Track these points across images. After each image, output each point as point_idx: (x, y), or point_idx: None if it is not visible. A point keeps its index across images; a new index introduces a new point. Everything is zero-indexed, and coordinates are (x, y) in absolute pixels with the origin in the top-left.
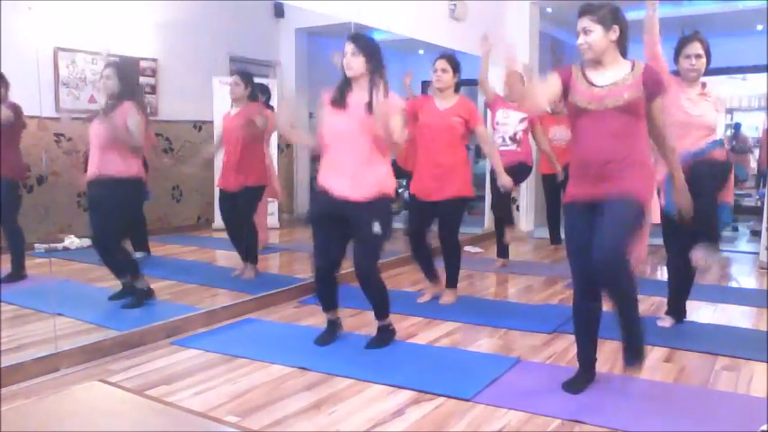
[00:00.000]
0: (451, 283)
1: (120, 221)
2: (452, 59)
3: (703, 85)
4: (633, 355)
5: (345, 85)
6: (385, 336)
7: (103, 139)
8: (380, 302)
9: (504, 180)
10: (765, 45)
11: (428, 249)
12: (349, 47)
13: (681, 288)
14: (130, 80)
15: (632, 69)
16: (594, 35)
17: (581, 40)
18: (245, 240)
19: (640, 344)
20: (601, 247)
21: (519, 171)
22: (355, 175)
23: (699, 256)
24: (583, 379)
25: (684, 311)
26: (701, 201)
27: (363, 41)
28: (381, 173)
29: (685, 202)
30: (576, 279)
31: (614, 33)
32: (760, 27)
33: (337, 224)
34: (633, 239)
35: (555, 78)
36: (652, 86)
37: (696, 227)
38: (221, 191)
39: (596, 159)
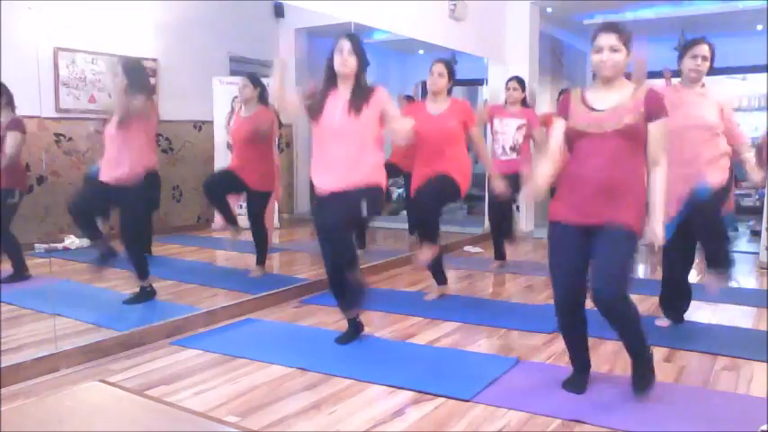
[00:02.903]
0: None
1: (147, 216)
2: (449, 65)
3: (702, 85)
4: (641, 382)
5: (331, 82)
6: (354, 329)
7: (124, 140)
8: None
9: (497, 184)
10: (765, 45)
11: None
12: (346, 45)
13: (674, 289)
14: (144, 79)
15: (634, 92)
16: (620, 55)
17: (605, 56)
18: (257, 242)
19: (649, 369)
20: (605, 284)
21: (518, 181)
22: (343, 171)
23: (711, 285)
24: (582, 378)
25: (681, 313)
26: (706, 229)
27: (358, 41)
28: (370, 166)
29: None
30: (558, 296)
31: (629, 57)
32: (760, 27)
33: None
34: (630, 271)
35: (559, 123)
36: (653, 109)
37: (706, 254)
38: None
39: (592, 182)
